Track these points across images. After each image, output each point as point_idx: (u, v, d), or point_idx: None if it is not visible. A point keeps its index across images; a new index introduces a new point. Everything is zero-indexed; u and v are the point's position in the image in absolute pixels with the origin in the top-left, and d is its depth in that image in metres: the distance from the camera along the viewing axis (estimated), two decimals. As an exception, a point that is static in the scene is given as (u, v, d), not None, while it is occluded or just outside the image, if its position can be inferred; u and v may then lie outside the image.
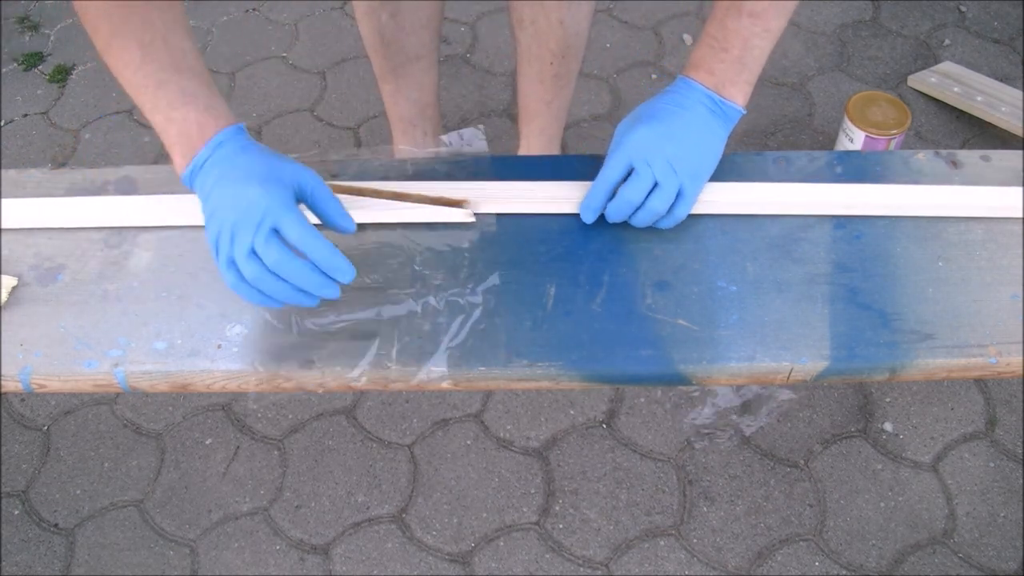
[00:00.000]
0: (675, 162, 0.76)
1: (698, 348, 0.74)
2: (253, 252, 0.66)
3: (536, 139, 1.44)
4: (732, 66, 0.79)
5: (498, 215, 0.84)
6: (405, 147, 1.50)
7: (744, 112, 0.80)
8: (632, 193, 0.77)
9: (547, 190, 0.85)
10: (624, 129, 0.79)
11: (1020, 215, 0.82)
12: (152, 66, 0.72)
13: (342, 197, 0.82)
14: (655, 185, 0.76)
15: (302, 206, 0.72)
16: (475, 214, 0.83)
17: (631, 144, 0.77)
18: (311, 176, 0.71)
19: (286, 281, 0.67)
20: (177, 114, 0.72)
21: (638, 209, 0.78)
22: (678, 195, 0.78)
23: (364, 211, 0.83)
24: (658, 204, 0.77)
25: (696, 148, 0.78)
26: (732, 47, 0.78)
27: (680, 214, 0.79)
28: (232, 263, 0.67)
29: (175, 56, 0.73)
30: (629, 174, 0.78)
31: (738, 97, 0.80)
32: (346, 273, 0.68)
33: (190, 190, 0.73)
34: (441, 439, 1.37)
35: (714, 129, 0.79)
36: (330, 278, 0.68)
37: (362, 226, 0.83)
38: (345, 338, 0.75)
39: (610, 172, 0.78)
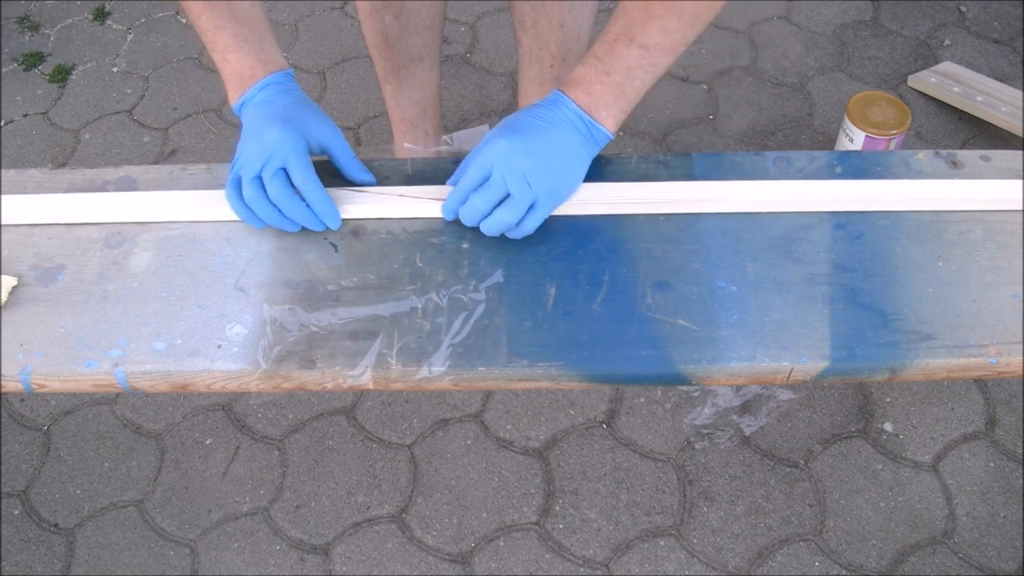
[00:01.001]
0: (531, 177, 0.76)
1: (698, 348, 0.74)
2: (258, 179, 0.77)
3: None
4: (611, 90, 0.79)
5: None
6: (407, 146, 1.51)
7: (612, 138, 0.81)
8: (480, 202, 0.77)
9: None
10: (489, 137, 0.80)
11: (1020, 208, 0.83)
12: (211, 13, 0.82)
13: (344, 191, 0.84)
14: (507, 196, 0.77)
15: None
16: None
17: (490, 153, 0.77)
18: (334, 133, 0.82)
19: (278, 210, 0.78)
20: (232, 56, 0.82)
21: (487, 216, 0.78)
22: (530, 208, 0.78)
23: (365, 206, 0.83)
24: (507, 216, 0.77)
25: (556, 166, 0.78)
26: (615, 72, 0.78)
27: (528, 228, 0.79)
28: (236, 181, 0.79)
29: (231, 5, 0.82)
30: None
31: (608, 122, 0.80)
32: (334, 220, 0.81)
33: (237, 118, 0.84)
34: (441, 439, 1.37)
35: (578, 149, 0.79)
36: (315, 216, 0.80)
37: (363, 224, 0.83)
38: (346, 337, 0.75)
39: (467, 179, 0.79)
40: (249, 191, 0.78)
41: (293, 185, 0.78)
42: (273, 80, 0.82)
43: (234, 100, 0.83)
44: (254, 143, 0.77)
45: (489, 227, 0.79)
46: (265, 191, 0.78)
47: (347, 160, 0.83)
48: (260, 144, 0.77)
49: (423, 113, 1.44)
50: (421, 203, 0.83)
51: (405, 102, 1.42)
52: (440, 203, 0.83)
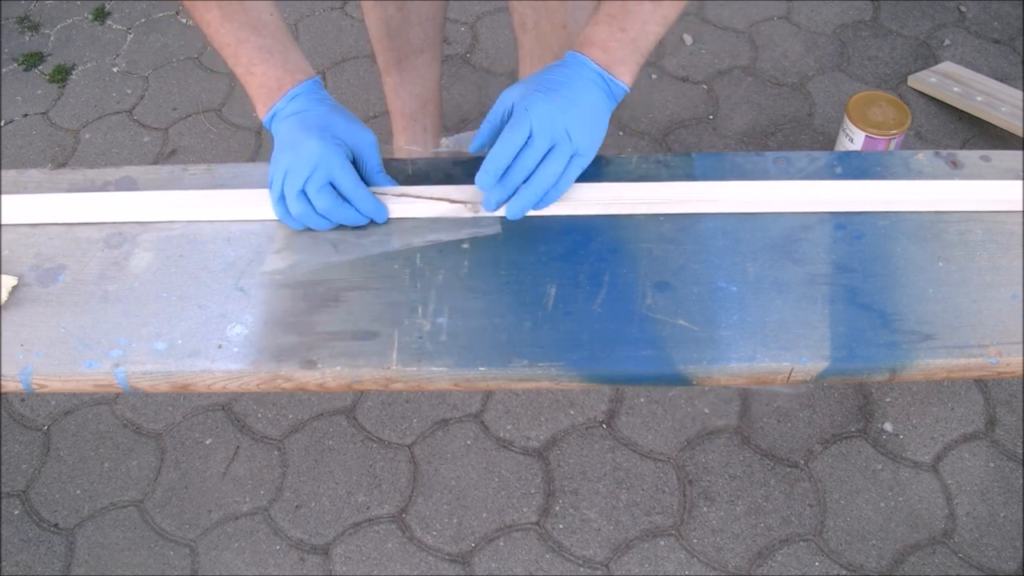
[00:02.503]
0: (572, 130, 0.77)
1: (698, 348, 0.74)
2: (303, 193, 0.78)
3: None
4: (626, 46, 0.80)
5: (500, 215, 0.84)
6: (406, 147, 1.51)
7: (628, 91, 0.82)
8: (530, 160, 0.78)
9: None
10: (518, 97, 0.79)
11: (1020, 208, 0.83)
12: (231, 25, 0.80)
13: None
14: (550, 150, 0.78)
15: None
16: (478, 216, 0.83)
17: (528, 111, 0.77)
18: (368, 142, 0.81)
19: (326, 218, 0.79)
20: (257, 69, 0.81)
21: (531, 177, 0.78)
22: (571, 159, 0.79)
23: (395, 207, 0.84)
24: (556, 166, 0.78)
25: (589, 121, 0.80)
26: (630, 28, 0.80)
27: (569, 180, 0.80)
28: (282, 199, 0.79)
29: (252, 17, 0.81)
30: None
31: (626, 76, 0.81)
32: (383, 215, 0.81)
33: (268, 132, 0.83)
34: (441, 439, 1.37)
35: (601, 104, 0.81)
36: (366, 216, 0.81)
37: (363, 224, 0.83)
38: (346, 338, 0.75)
39: (509, 138, 0.77)
40: (297, 206, 0.78)
41: (339, 192, 0.79)
42: (302, 90, 0.81)
43: (263, 113, 0.82)
44: (292, 155, 0.77)
45: (538, 184, 0.78)
46: (311, 203, 0.78)
47: (373, 171, 0.83)
48: (300, 157, 0.76)
49: (423, 108, 1.44)
50: (441, 204, 0.83)
51: (405, 95, 1.42)
52: (457, 205, 0.83)
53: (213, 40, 0.82)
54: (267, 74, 0.80)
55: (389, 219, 0.83)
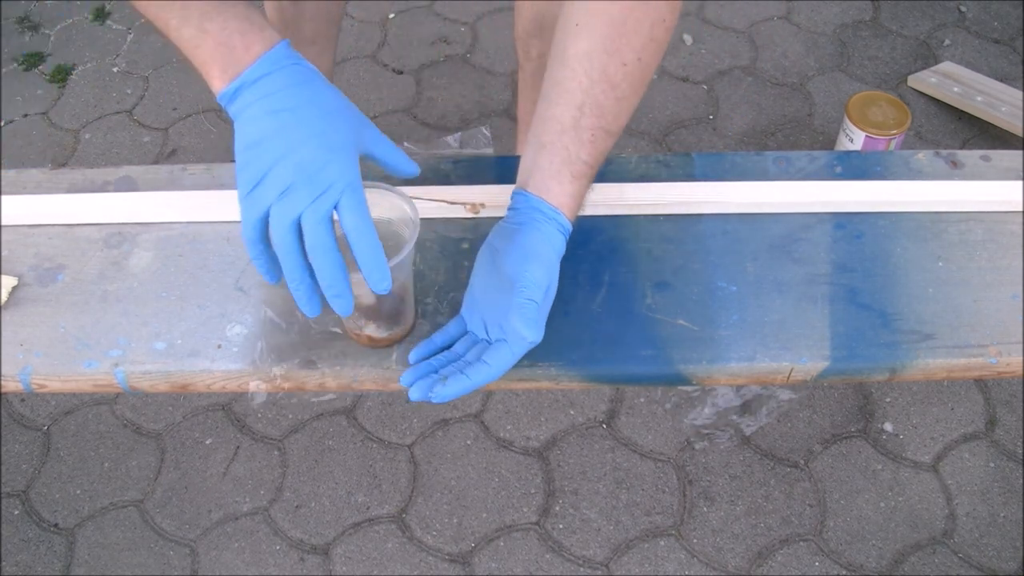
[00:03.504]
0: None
1: (698, 348, 0.74)
2: (297, 222, 0.57)
3: None
4: (586, 182, 0.68)
5: (500, 216, 0.83)
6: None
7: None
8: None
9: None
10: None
11: (1020, 208, 0.83)
12: None
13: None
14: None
15: None
16: (478, 216, 0.83)
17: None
18: (372, 128, 0.64)
19: (306, 268, 0.59)
20: (213, 25, 0.60)
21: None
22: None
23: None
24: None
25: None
26: (596, 165, 0.68)
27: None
28: (263, 220, 0.58)
29: None
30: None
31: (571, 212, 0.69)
32: (385, 286, 0.59)
33: (224, 109, 0.62)
34: (441, 439, 1.37)
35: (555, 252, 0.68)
36: (350, 292, 0.59)
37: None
38: (345, 338, 0.75)
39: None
40: (286, 237, 0.57)
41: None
42: (278, 54, 0.60)
43: (223, 82, 0.60)
44: (293, 168, 0.57)
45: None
46: (299, 237, 0.58)
47: (391, 153, 0.65)
48: (307, 172, 0.57)
49: None
50: (441, 204, 0.83)
51: None
52: (457, 205, 0.83)
53: (153, 8, 0.62)
54: (227, 28, 0.60)
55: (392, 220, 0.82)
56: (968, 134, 1.71)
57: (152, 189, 0.87)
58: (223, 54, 0.60)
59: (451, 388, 0.63)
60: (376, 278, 0.59)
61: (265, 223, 0.59)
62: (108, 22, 2.04)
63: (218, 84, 0.60)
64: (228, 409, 1.41)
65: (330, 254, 0.57)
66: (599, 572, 1.24)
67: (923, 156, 0.89)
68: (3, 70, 1.94)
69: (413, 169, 0.66)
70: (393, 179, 0.70)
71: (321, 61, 1.41)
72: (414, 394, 0.64)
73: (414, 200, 0.71)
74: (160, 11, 0.62)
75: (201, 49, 0.61)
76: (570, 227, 0.68)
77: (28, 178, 0.89)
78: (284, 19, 1.32)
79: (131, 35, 2.00)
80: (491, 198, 0.84)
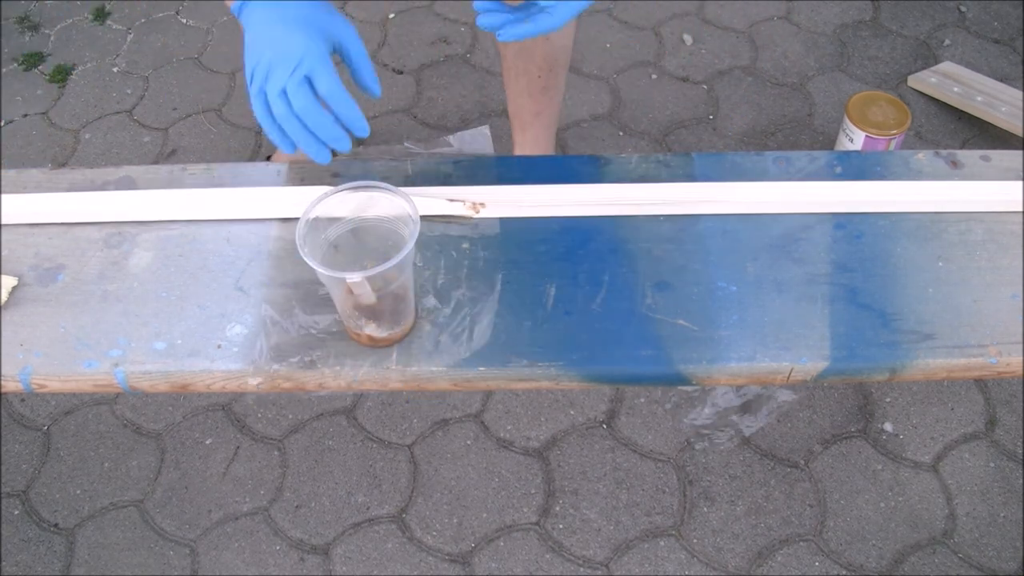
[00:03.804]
0: None
1: (698, 348, 0.74)
2: (284, 92, 0.71)
3: (531, 147, 1.46)
4: None
5: (500, 216, 0.84)
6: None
7: None
8: None
9: (551, 194, 0.85)
10: None
11: (1020, 208, 0.83)
12: None
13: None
14: None
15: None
16: (478, 216, 0.83)
17: None
18: (351, 33, 0.75)
19: (307, 127, 0.71)
20: None
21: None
22: None
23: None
24: None
25: None
26: None
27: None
28: (262, 94, 0.73)
29: None
30: None
31: None
32: (363, 129, 0.73)
33: (236, 19, 0.77)
34: (441, 439, 1.37)
35: None
36: (345, 133, 0.73)
37: (363, 224, 0.83)
38: (345, 337, 0.75)
39: None
40: (279, 107, 0.72)
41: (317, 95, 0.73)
42: None
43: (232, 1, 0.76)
44: (271, 51, 0.72)
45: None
46: (290, 104, 0.72)
47: (361, 63, 0.77)
48: (281, 51, 0.71)
49: None
50: (441, 204, 0.83)
51: None
52: (457, 204, 0.83)
53: None
54: None
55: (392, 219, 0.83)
56: (968, 134, 1.71)
57: (152, 189, 0.87)
58: None
59: (520, 29, 0.75)
60: (357, 126, 0.73)
61: (267, 101, 0.72)
62: (108, 22, 2.04)
63: (229, 1, 0.76)
64: (228, 409, 1.41)
65: (313, 111, 0.71)
66: (599, 572, 1.24)
67: (923, 156, 0.89)
68: (3, 70, 1.94)
69: (374, 88, 0.78)
70: (358, 97, 0.77)
71: None
72: (483, 21, 0.76)
73: (414, 199, 0.71)
74: None
75: None
76: None
77: (28, 178, 0.89)
78: None
79: (131, 35, 2.00)
80: (491, 198, 0.84)
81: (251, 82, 0.74)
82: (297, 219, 0.70)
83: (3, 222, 0.84)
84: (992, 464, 1.32)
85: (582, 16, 1.27)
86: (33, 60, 1.95)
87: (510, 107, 1.41)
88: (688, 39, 1.91)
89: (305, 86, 0.71)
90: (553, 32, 1.23)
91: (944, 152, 0.89)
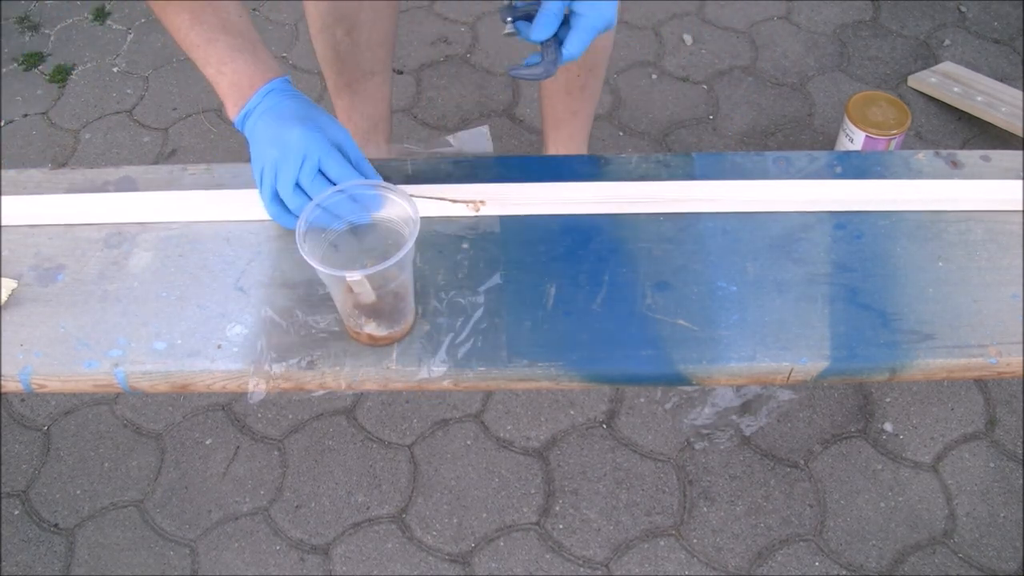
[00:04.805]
0: None
1: (698, 348, 0.74)
2: (298, 187, 0.76)
3: (564, 145, 1.44)
4: None
5: (500, 215, 0.84)
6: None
7: None
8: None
9: (551, 193, 0.85)
10: None
11: (1020, 208, 0.83)
12: (201, 27, 0.80)
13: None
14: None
15: None
16: (478, 216, 0.83)
17: None
18: (346, 134, 0.80)
19: (326, 210, 0.75)
20: (227, 68, 0.81)
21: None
22: None
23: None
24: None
25: None
26: None
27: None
28: (275, 195, 0.78)
29: (222, 18, 0.81)
30: None
31: None
32: (380, 206, 0.76)
33: (241, 133, 0.82)
34: (441, 439, 1.37)
35: None
36: (365, 208, 0.77)
37: (362, 225, 0.83)
38: (345, 337, 0.75)
39: None
40: (295, 201, 0.77)
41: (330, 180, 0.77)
42: (275, 86, 0.81)
43: (235, 113, 0.81)
44: (278, 150, 0.76)
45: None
46: (307, 195, 0.77)
47: (358, 160, 0.81)
48: (285, 148, 0.76)
49: (375, 127, 1.43)
50: (441, 204, 0.83)
51: (357, 117, 1.41)
52: (457, 205, 0.83)
53: (183, 43, 0.82)
54: (238, 72, 0.80)
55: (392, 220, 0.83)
56: (968, 134, 1.71)
57: (152, 189, 0.87)
58: (235, 93, 0.81)
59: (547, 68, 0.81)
60: (373, 204, 0.76)
61: (280, 199, 0.78)
62: (108, 22, 2.04)
63: (232, 113, 0.82)
64: (228, 409, 1.41)
65: (344, 185, 0.76)
66: (599, 572, 1.24)
67: (923, 156, 0.89)
68: (3, 70, 1.94)
69: (376, 177, 0.81)
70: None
71: (381, 92, 1.38)
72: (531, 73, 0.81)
73: (414, 199, 0.71)
74: (187, 47, 0.82)
75: (220, 86, 0.82)
76: None
77: (28, 178, 0.89)
78: (340, 55, 1.28)
79: (131, 35, 2.00)
80: (491, 197, 0.84)
81: (261, 185, 0.79)
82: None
83: (3, 223, 0.84)
84: (992, 464, 1.32)
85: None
86: (33, 60, 1.95)
87: (544, 105, 1.40)
88: (688, 39, 1.91)
89: (320, 176, 0.76)
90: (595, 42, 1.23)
91: (944, 152, 0.89)
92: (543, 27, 0.78)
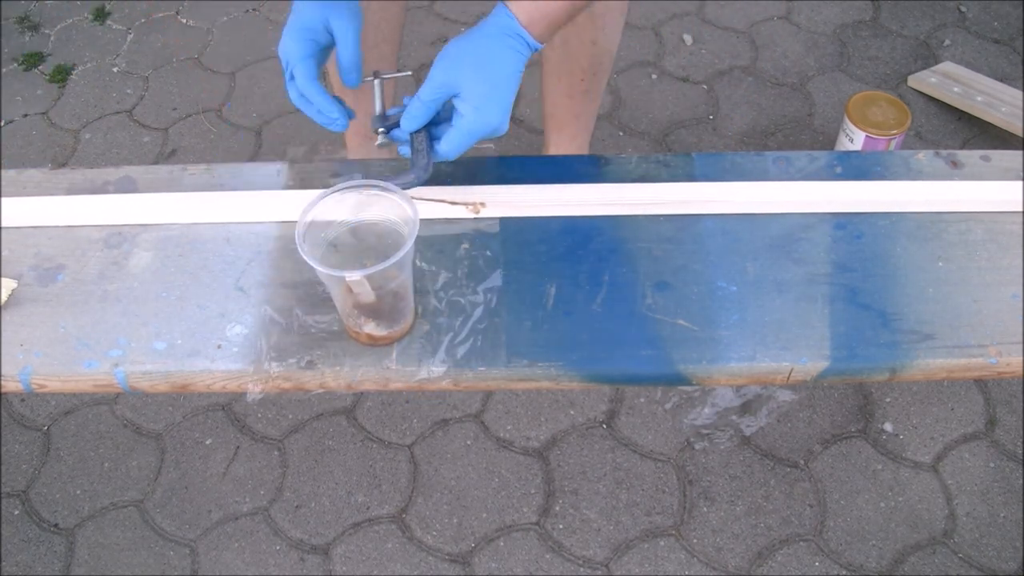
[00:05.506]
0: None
1: (698, 348, 0.74)
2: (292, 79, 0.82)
3: (566, 146, 1.44)
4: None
5: (500, 216, 0.84)
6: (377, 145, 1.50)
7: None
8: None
9: (551, 194, 0.85)
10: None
11: (1020, 208, 0.83)
12: None
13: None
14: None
15: None
16: (479, 216, 0.83)
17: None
18: (344, 30, 0.81)
19: (308, 103, 0.81)
20: None
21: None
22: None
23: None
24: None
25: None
26: None
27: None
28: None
29: None
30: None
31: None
32: (338, 125, 0.82)
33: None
34: (441, 439, 1.37)
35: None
36: (334, 119, 0.81)
37: (362, 225, 0.83)
38: (345, 337, 0.75)
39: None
40: (291, 89, 0.83)
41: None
42: None
43: None
44: (280, 49, 0.83)
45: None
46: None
47: (344, 53, 0.83)
48: (281, 52, 0.82)
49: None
50: (441, 205, 0.83)
51: (361, 115, 1.41)
52: (457, 205, 0.83)
53: None
54: None
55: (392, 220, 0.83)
56: (968, 134, 1.71)
57: (152, 189, 0.87)
58: None
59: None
60: (331, 124, 0.83)
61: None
62: (108, 22, 2.04)
63: None
64: (228, 409, 1.41)
65: (302, 102, 0.82)
66: (599, 572, 1.24)
67: (923, 156, 0.89)
68: (3, 70, 1.94)
69: (349, 78, 0.84)
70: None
71: (386, 91, 1.38)
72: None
73: (414, 200, 0.71)
74: None
75: None
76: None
77: (28, 178, 0.89)
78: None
79: (131, 35, 2.00)
80: (491, 198, 0.84)
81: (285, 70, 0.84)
82: (296, 220, 0.70)
83: (3, 224, 0.84)
84: (992, 464, 1.32)
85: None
86: (33, 60, 1.95)
87: (546, 106, 1.40)
88: (688, 39, 1.91)
89: (292, 82, 0.82)
90: (600, 37, 1.23)
91: (944, 152, 0.89)
92: (412, 118, 0.78)
